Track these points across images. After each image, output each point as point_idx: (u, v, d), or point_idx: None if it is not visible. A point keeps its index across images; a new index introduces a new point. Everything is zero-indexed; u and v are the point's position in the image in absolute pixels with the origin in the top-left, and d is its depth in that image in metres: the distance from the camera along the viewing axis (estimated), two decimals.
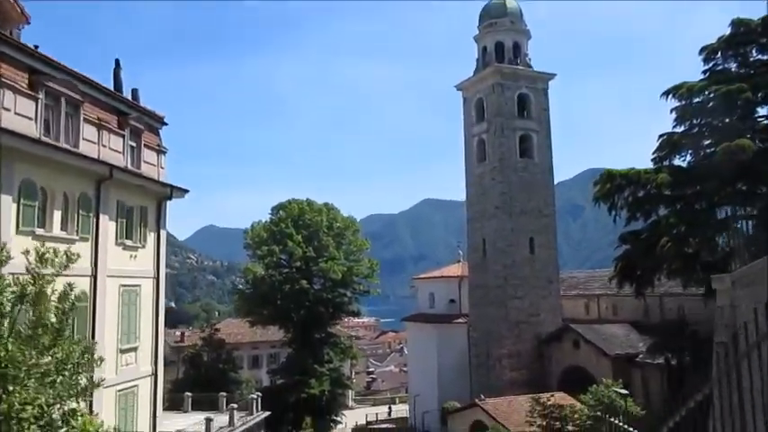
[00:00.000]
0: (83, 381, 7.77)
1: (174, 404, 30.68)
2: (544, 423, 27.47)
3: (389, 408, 67.66)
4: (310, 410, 40.82)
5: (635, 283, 36.49)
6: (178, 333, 65.99)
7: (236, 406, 24.70)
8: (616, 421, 7.25)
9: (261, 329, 65.71)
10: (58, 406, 7.17)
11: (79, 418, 7.19)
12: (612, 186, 32.71)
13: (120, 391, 17.77)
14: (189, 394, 29.23)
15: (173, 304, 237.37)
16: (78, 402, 7.67)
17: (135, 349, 18.73)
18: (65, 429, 7.11)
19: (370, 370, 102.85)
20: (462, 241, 58.94)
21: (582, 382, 40.99)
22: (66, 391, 7.38)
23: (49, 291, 7.82)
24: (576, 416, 25.76)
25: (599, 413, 24.06)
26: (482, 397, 39.97)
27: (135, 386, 18.58)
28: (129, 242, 18.69)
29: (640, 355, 42.53)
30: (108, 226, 17.43)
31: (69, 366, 7.53)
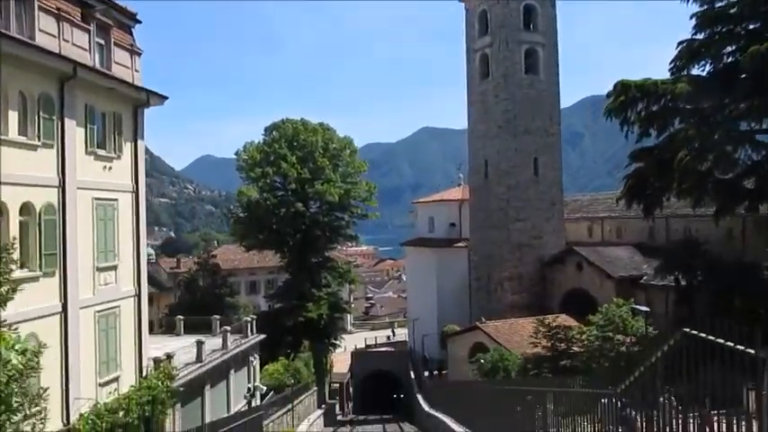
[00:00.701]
0: None
1: (169, 329, 29.96)
2: (549, 344, 26.67)
3: (392, 331, 67.77)
4: (309, 334, 40.25)
5: (644, 203, 35.09)
6: (175, 260, 65.19)
7: (229, 328, 23.67)
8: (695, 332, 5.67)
9: (258, 255, 64.93)
10: None
11: None
12: (626, 99, 30.61)
13: (99, 312, 16.47)
14: (181, 317, 28.25)
15: (172, 234, 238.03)
16: None
17: (114, 268, 17.31)
18: None
19: (369, 296, 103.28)
20: (463, 163, 57.19)
21: (584, 305, 40.34)
22: None
23: None
24: (583, 337, 24.80)
25: (609, 333, 23.14)
26: (483, 320, 39.36)
27: (116, 307, 17.28)
28: (101, 152, 16.92)
29: (645, 277, 41.70)
30: (75, 132, 15.62)
31: None
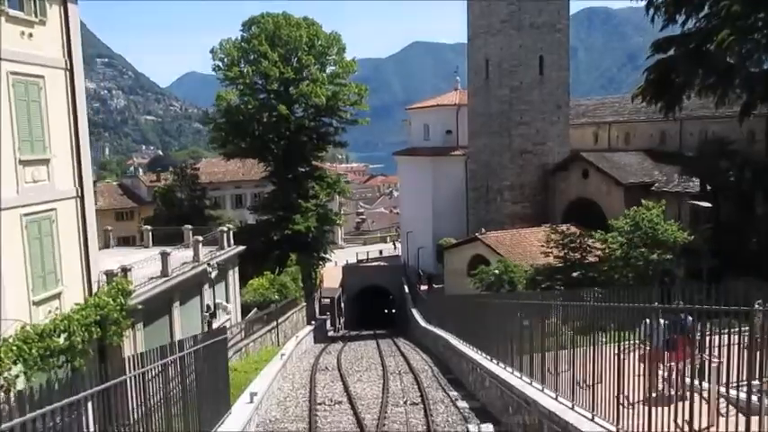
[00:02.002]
0: None
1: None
2: (562, 254, 24.02)
3: (394, 244, 65.28)
4: (296, 248, 37.54)
5: (665, 99, 31.80)
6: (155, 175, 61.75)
7: (201, 238, 20.69)
8: None
9: (243, 168, 61.59)
10: None
11: None
12: None
13: (27, 215, 13.33)
14: (148, 227, 25.21)
15: (160, 152, 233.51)
16: None
17: (45, 162, 14.04)
18: None
19: (360, 211, 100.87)
20: (461, 65, 52.98)
21: (589, 215, 37.74)
22: None
23: None
24: (605, 245, 22.00)
25: (636, 239, 20.38)
26: (482, 230, 36.75)
27: (51, 210, 14.14)
28: (16, 13, 13.22)
29: (656, 184, 38.91)
30: None
31: None
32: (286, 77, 37.61)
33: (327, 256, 43.55)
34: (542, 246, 25.90)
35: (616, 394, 7.40)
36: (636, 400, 7.61)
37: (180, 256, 20.68)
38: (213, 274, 17.44)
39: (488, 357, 14.58)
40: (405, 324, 41.23)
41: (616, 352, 7.78)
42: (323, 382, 18.27)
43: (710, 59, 28.07)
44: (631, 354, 7.98)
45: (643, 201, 23.42)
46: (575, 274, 22.65)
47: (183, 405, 8.19)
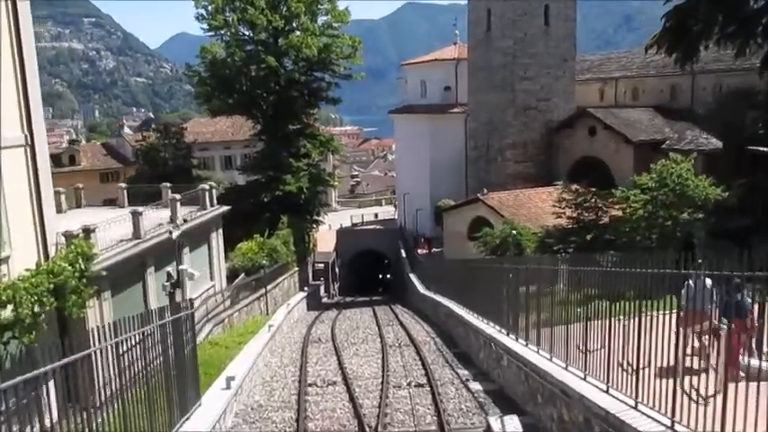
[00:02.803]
0: None
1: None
2: (575, 215, 22.09)
3: (394, 205, 62.66)
4: (287, 210, 35.44)
5: (682, 49, 29.48)
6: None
7: (178, 197, 18.56)
8: None
9: (233, 128, 59.11)
10: None
11: None
12: None
13: None
14: (123, 185, 23.02)
15: (151, 114, 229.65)
16: None
17: None
18: None
19: (354, 173, 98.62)
20: (460, 17, 50.19)
21: (596, 175, 35.71)
22: None
23: None
24: (625, 204, 20.02)
25: (661, 197, 18.41)
26: (485, 191, 34.77)
27: None
28: None
29: (667, 141, 36.90)
30: None
31: None
32: (274, 27, 34.94)
33: (321, 218, 41.46)
34: (554, 206, 23.90)
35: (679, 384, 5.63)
36: (707, 390, 5.82)
37: (156, 216, 18.61)
38: (175, 235, 15.36)
39: (502, 330, 12.74)
40: (402, 290, 39.53)
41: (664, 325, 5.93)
42: (315, 356, 16.45)
43: (732, 5, 25.88)
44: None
45: (672, 154, 21.33)
46: (589, 237, 20.73)
47: (133, 401, 6.27)
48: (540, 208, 33.01)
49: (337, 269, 48.93)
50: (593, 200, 22.05)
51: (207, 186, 21.48)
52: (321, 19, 37.86)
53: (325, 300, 41.54)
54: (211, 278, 21.52)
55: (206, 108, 39.66)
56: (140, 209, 16.29)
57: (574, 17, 40.56)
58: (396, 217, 55.22)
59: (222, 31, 36.82)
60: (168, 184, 20.03)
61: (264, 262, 25.29)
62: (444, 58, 47.11)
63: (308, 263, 39.23)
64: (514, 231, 24.17)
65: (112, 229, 16.16)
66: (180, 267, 10.18)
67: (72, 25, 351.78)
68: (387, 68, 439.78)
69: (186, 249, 18.88)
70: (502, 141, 40.33)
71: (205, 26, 36.44)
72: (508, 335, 12.17)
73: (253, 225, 33.02)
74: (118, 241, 15.88)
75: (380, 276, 53.56)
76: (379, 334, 20.33)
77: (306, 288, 34.41)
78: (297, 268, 33.57)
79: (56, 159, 57.02)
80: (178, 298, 11.59)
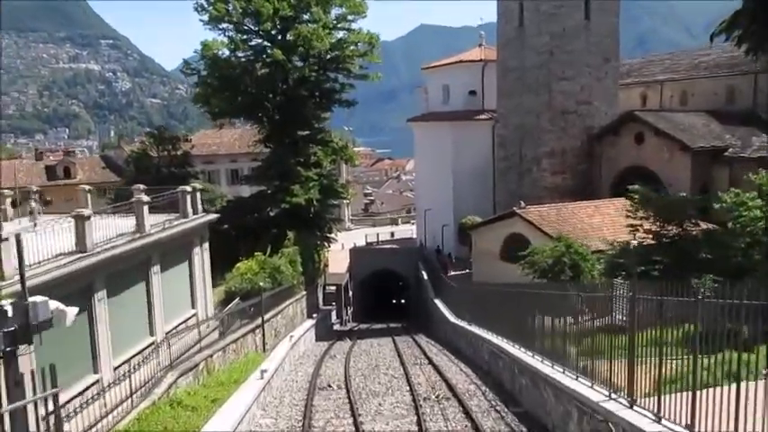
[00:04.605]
0: None
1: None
2: (656, 226, 17.50)
3: (412, 224, 58.28)
4: (295, 224, 31.09)
5: (753, 38, 25.05)
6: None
7: (146, 198, 14.05)
8: None
9: (240, 140, 55.38)
10: None
11: None
12: None
13: None
14: (86, 187, 18.70)
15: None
16: None
17: None
18: None
19: (368, 191, 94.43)
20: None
21: (643, 186, 31.07)
22: None
23: None
24: (736, 213, 15.28)
25: None
26: (522, 204, 30.21)
27: None
28: None
29: (730, 149, 32.33)
30: None
31: None
32: (282, 16, 30.96)
33: (333, 235, 37.03)
34: (628, 216, 19.24)
35: None
36: None
37: (125, 225, 14.32)
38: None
39: (605, 392, 8.26)
40: (424, 317, 34.93)
41: None
42: (323, 415, 11.94)
43: None
44: None
45: None
46: (675, 256, 16.07)
47: None
48: (587, 224, 28.46)
49: (350, 292, 44.36)
50: (683, 208, 17.30)
51: (189, 188, 17.12)
52: (335, 12, 33.86)
53: (337, 327, 37.04)
54: (193, 305, 17.10)
55: (205, 110, 35.48)
56: (86, 212, 11.91)
57: (617, 11, 36.28)
58: (415, 236, 50.73)
59: (224, 25, 32.92)
60: (142, 186, 15.74)
61: (263, 284, 20.82)
62: (470, 59, 42.89)
63: (317, 285, 34.75)
64: (571, 249, 19.58)
65: (55, 240, 11.84)
66: (50, 305, 5.71)
67: (89, 47, 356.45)
68: (399, 89, 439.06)
69: (155, 267, 14.51)
70: (536, 150, 35.89)
71: (205, 18, 32.49)
72: (617, 399, 7.70)
73: (257, 242, 28.71)
74: (54, 255, 11.54)
75: (399, 300, 49.02)
76: (406, 377, 15.80)
77: (315, 315, 29.85)
78: (304, 292, 29.09)
79: (50, 172, 53.59)
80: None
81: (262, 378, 12.49)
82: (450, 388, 14.00)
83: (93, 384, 11.77)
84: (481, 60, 41.72)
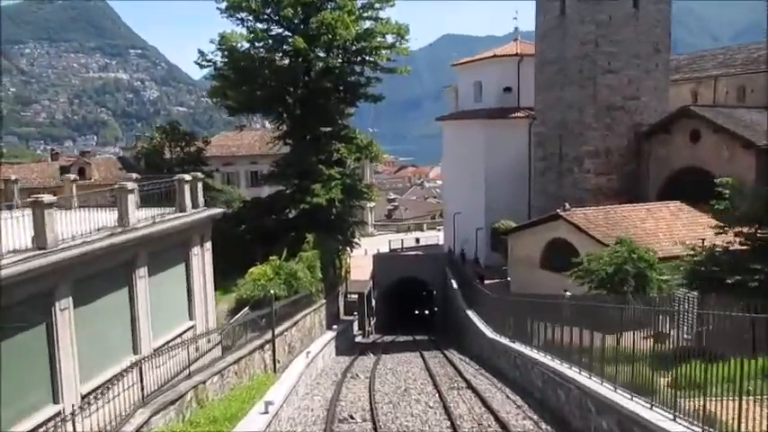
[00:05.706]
0: None
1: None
2: (748, 228, 14.46)
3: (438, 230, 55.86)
4: (316, 227, 28.49)
5: None
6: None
7: (131, 186, 11.42)
8: None
9: (260, 141, 53.29)
10: None
11: None
12: None
13: None
14: (71, 176, 16.28)
15: None
16: None
17: None
18: None
19: (392, 197, 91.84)
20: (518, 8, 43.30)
21: (699, 189, 27.89)
22: None
23: None
24: None
25: None
26: (567, 206, 27.29)
27: None
28: None
29: None
30: None
31: None
32: (304, 1, 28.54)
33: (356, 240, 34.36)
34: (714, 217, 16.28)
35: None
36: None
37: (107, 218, 11.83)
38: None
39: None
40: (454, 329, 32.04)
41: None
42: None
43: None
44: None
45: None
46: None
47: None
48: (641, 228, 25.47)
49: (374, 302, 41.60)
50: None
51: (187, 177, 14.59)
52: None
53: (359, 339, 34.31)
54: (191, 316, 14.50)
55: (222, 104, 33.18)
56: (46, 198, 9.40)
57: None
58: (441, 242, 47.88)
59: (242, 15, 30.63)
60: (135, 175, 13.28)
61: (277, 291, 18.22)
62: (505, 54, 40.07)
63: (338, 294, 32.09)
64: (634, 255, 16.65)
65: (16, 234, 9.37)
66: None
67: (119, 56, 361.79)
68: (423, 98, 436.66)
69: (142, 270, 11.95)
70: (579, 149, 32.88)
71: (222, 6, 30.24)
72: None
73: (274, 246, 26.18)
74: (7, 251, 9.03)
75: (425, 311, 46.18)
76: (443, 407, 13.00)
77: (335, 326, 27.14)
78: (324, 301, 26.42)
79: (65, 172, 51.96)
80: None
81: (266, 412, 9.83)
82: (503, 426, 11.17)
83: (53, 417, 9.21)
84: (517, 55, 38.90)
